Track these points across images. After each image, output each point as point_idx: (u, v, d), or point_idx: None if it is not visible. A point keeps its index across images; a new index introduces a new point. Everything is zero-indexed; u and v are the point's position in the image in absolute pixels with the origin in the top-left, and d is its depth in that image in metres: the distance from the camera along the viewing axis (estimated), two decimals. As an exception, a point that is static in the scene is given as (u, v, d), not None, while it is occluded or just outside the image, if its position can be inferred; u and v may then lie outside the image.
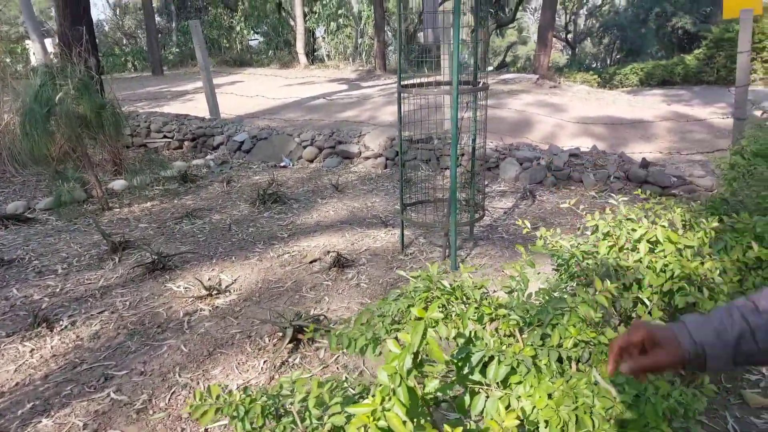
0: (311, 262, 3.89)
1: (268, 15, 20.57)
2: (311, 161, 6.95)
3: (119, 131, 5.81)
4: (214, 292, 3.44)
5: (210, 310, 3.28)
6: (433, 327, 1.23)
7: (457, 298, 1.42)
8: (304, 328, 2.73)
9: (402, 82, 3.79)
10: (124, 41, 26.33)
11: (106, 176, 6.26)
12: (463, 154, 6.12)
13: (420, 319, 1.16)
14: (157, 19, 25.19)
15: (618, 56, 26.41)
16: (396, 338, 1.22)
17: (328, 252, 3.93)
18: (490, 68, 27.57)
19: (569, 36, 29.65)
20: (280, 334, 2.86)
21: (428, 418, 1.45)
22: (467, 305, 1.37)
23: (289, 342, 2.80)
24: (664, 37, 22.96)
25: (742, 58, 5.86)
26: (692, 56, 18.80)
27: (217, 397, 1.26)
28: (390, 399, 1.11)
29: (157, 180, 6.14)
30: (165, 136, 7.65)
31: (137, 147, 7.70)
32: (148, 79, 15.45)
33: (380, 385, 1.12)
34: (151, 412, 2.42)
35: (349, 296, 3.41)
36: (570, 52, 30.10)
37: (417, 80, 3.99)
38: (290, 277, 3.69)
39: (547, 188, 5.73)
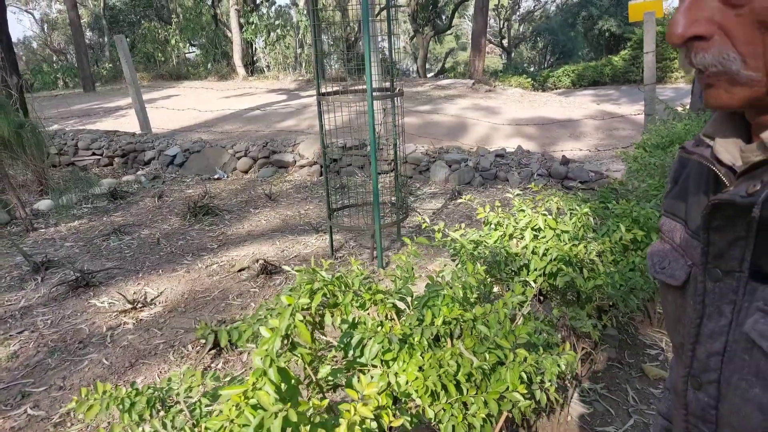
0: (239, 271, 3.92)
1: (204, 27, 20.30)
2: (246, 172, 6.95)
3: (42, 150, 5.66)
4: (139, 305, 3.42)
5: (134, 323, 3.27)
6: (305, 310, 1.33)
7: (338, 288, 1.52)
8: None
9: (321, 91, 3.89)
10: (54, 58, 25.39)
11: (32, 197, 6.08)
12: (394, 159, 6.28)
13: (288, 305, 1.26)
14: (89, 34, 24.45)
15: (551, 59, 27.48)
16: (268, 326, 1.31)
17: (257, 260, 3.98)
18: (431, 74, 28.11)
19: (504, 41, 30.61)
20: (203, 341, 2.89)
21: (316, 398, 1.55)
22: (345, 293, 1.47)
23: (212, 348, 2.84)
24: (592, 40, 24.08)
25: (648, 58, 6.28)
26: (619, 57, 19.82)
27: (103, 393, 1.31)
28: (262, 379, 1.20)
29: (86, 198, 6.01)
30: (94, 154, 7.47)
31: (65, 165, 7.48)
32: (80, 96, 14.98)
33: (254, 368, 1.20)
34: (69, 424, 2.41)
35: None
36: (506, 57, 31.07)
37: (338, 88, 4.11)
38: (217, 287, 3.71)
39: (474, 188, 5.95)
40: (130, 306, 3.40)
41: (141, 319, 3.32)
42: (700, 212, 0.66)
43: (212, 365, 2.80)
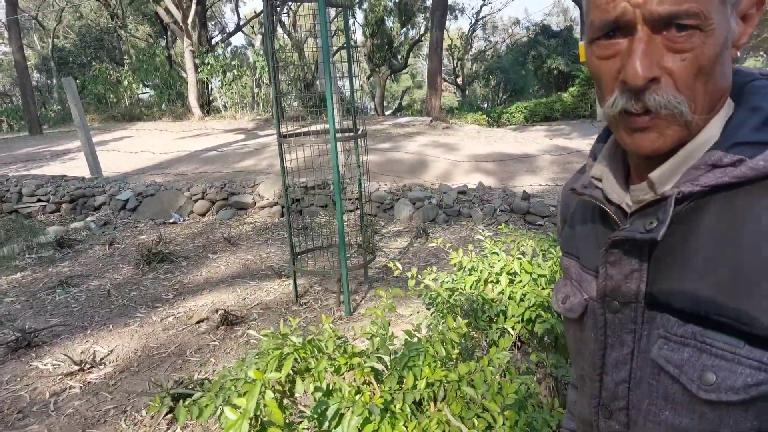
0: (197, 323, 3.70)
1: (158, 68, 20.02)
2: (203, 215, 6.72)
3: (-19, 198, 5.31)
4: (87, 366, 3.15)
5: (81, 387, 3.00)
6: (279, 385, 1.19)
7: (310, 352, 1.39)
8: (184, 396, 2.56)
9: (283, 132, 3.79)
10: (-1, 100, 24.53)
11: (-31, 248, 5.66)
12: (357, 198, 6.19)
13: (256, 381, 1.12)
14: (36, 76, 23.80)
15: (504, 96, 28.33)
16: (233, 404, 1.16)
17: (217, 310, 3.76)
18: (389, 112, 28.53)
19: (458, 80, 31.47)
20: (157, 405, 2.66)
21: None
22: (318, 358, 1.34)
23: (168, 413, 2.61)
24: (542, 77, 24.99)
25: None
26: (568, 94, 20.57)
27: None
28: (227, 471, 1.05)
29: (30, 248, 5.64)
30: (39, 200, 7.09)
31: (7, 213, 7.06)
32: (26, 140, 14.40)
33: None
34: None
35: (237, 355, 3.26)
36: (461, 95, 31.89)
37: (300, 129, 4.02)
38: (174, 341, 3.48)
39: (439, 225, 5.91)
40: (76, 367, 3.13)
41: (89, 382, 3.05)
42: (592, 248, 0.73)
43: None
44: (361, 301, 4.08)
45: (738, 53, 0.61)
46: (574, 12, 33.78)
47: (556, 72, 23.68)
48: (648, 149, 0.61)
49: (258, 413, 1.09)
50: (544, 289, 1.94)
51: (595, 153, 0.78)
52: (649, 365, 0.63)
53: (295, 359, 1.39)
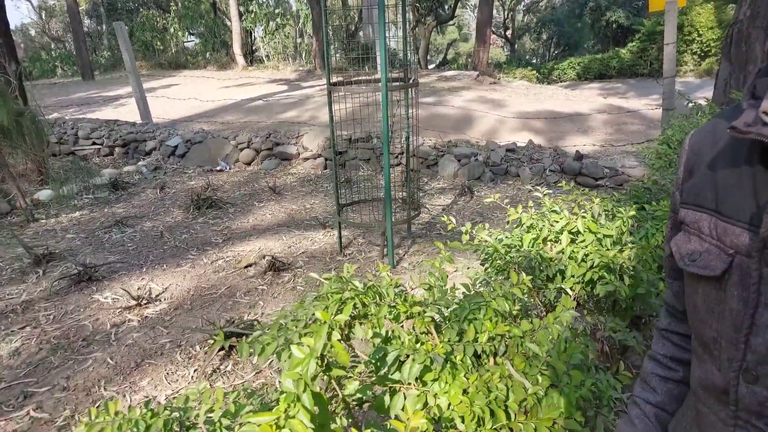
0: (246, 267, 3.79)
1: (202, 16, 20.00)
2: (249, 164, 6.79)
3: (42, 139, 5.50)
4: (144, 301, 3.29)
5: (139, 321, 3.14)
6: (339, 329, 1.19)
7: (371, 298, 1.39)
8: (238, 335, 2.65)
9: (332, 80, 3.74)
10: (52, 45, 25.07)
11: (32, 186, 5.92)
12: (402, 153, 6.13)
13: (324, 322, 1.13)
14: (87, 21, 24.13)
15: (556, 52, 27.17)
16: (300, 343, 1.18)
17: (264, 256, 3.84)
18: (432, 66, 27.86)
19: (508, 32, 30.31)
20: (211, 341, 2.77)
21: (348, 420, 1.42)
22: (380, 305, 1.34)
23: (221, 349, 2.71)
24: (599, 32, 23.76)
25: (668, 50, 6.12)
26: (626, 50, 19.56)
27: (115, 414, 1.18)
28: (295, 406, 1.07)
29: (87, 188, 5.86)
30: (94, 143, 7.31)
31: (65, 155, 7.31)
32: (79, 85, 14.75)
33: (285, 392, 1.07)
34: (73, 428, 2.29)
35: (284, 300, 3.33)
36: (509, 49, 30.80)
37: (350, 78, 3.96)
38: (224, 283, 3.58)
39: (485, 183, 5.81)
40: (134, 302, 3.27)
41: (146, 317, 3.19)
42: (745, 196, 0.66)
43: (221, 367, 2.67)
44: (404, 255, 4.09)
45: None
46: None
47: (615, 25, 22.44)
48: None
49: (324, 353, 1.10)
50: (609, 249, 1.88)
51: (754, 90, 0.70)
52: None
53: (355, 305, 1.39)
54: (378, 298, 1.38)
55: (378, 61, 6.17)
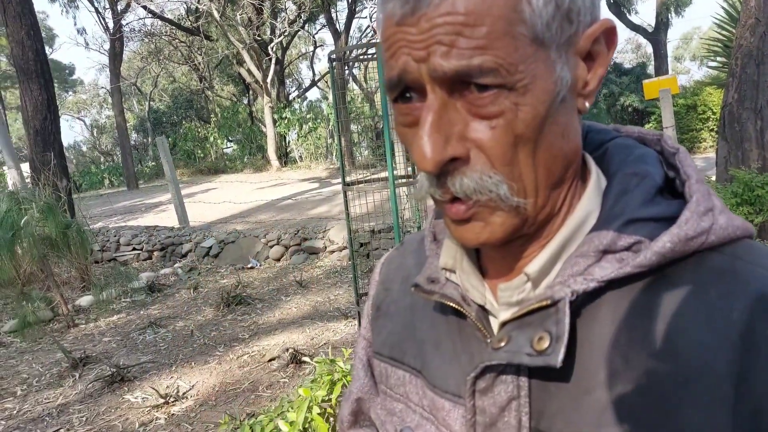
0: (269, 361, 3.93)
1: (240, 124, 21.55)
2: (278, 260, 7.10)
3: (86, 248, 5.95)
4: (171, 399, 3.44)
5: (166, 418, 3.28)
6: (324, 402, 1.34)
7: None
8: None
9: (347, 180, 4.06)
10: (102, 159, 27.13)
11: (74, 293, 6.31)
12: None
13: (306, 398, 1.28)
14: (134, 135, 26.22)
15: (577, 135, 27.77)
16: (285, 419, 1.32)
17: (287, 349, 3.99)
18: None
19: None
20: (232, 435, 2.87)
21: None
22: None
23: (240, 443, 2.81)
24: (616, 115, 24.42)
25: (668, 133, 6.36)
26: (644, 130, 19.94)
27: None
28: (279, 478, 1.21)
29: (125, 292, 6.21)
30: (134, 249, 7.80)
31: (107, 261, 7.80)
32: (124, 194, 15.83)
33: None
34: None
35: (305, 391, 3.44)
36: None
37: (363, 177, 4.28)
38: (248, 378, 3.72)
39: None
40: (162, 401, 3.42)
41: (173, 414, 3.32)
42: (447, 361, 0.54)
43: (241, 461, 2.76)
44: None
45: (588, 104, 0.46)
46: (647, 48, 32.99)
47: (630, 109, 23.13)
48: (473, 242, 0.47)
49: (306, 426, 1.24)
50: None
51: (436, 232, 0.61)
52: None
53: (344, 385, 1.54)
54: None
55: (397, 159, 6.58)
